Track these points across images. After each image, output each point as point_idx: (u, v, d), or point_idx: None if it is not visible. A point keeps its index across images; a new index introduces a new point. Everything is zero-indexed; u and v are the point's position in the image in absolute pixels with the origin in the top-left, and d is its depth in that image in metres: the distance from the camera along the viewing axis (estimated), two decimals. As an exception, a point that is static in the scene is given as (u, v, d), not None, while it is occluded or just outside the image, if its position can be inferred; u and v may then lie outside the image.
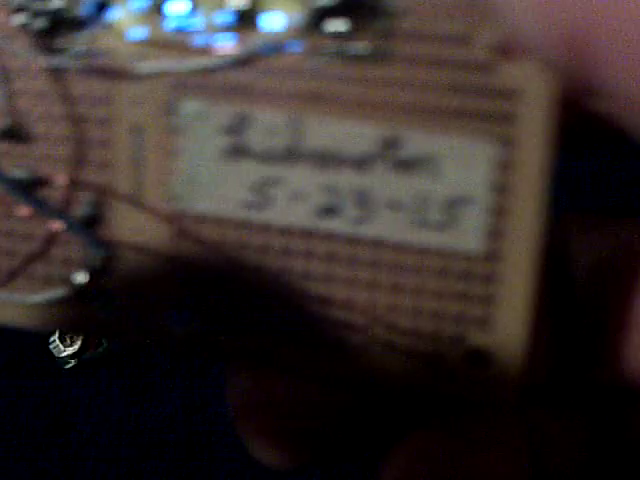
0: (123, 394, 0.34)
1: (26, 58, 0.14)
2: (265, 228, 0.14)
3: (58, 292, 0.15)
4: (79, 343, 0.34)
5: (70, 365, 0.34)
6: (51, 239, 0.15)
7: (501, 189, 0.13)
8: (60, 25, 0.14)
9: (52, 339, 0.34)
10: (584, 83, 0.11)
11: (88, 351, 0.34)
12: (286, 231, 0.14)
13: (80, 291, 0.15)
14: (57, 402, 0.35)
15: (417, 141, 0.13)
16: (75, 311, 0.15)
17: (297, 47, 0.13)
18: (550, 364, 0.15)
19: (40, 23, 0.14)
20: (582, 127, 0.13)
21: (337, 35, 0.13)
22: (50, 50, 0.14)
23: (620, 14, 0.10)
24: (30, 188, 0.15)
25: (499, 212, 0.13)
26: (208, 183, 0.14)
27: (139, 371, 0.34)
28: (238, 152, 0.14)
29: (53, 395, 0.35)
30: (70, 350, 0.34)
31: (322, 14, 0.13)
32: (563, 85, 0.13)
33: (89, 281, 0.15)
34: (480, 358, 0.14)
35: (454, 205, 0.14)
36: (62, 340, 0.34)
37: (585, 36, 0.10)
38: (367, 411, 0.16)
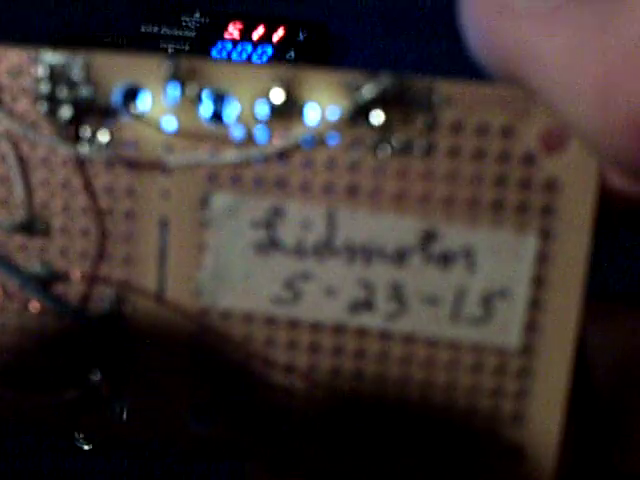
0: (140, 475, 0.33)
1: (49, 147, 0.14)
2: (294, 324, 0.14)
3: (73, 393, 0.14)
4: None
5: (87, 447, 0.33)
6: (65, 337, 0.14)
7: (539, 283, 0.13)
8: (87, 114, 0.14)
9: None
10: (637, 169, 0.11)
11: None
12: (316, 327, 0.14)
13: (96, 392, 0.14)
14: None
15: (455, 234, 0.13)
16: (91, 413, 0.15)
17: (335, 140, 0.13)
18: (573, 453, 0.15)
19: (66, 112, 0.14)
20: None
21: (377, 127, 0.13)
22: (75, 139, 0.14)
23: None
24: (47, 283, 0.14)
25: (536, 306, 0.13)
26: (237, 278, 0.14)
27: (156, 453, 0.33)
28: (270, 246, 0.14)
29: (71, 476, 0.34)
30: (82, 434, 0.33)
31: (363, 107, 0.13)
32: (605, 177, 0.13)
33: (106, 382, 0.14)
34: (514, 454, 0.14)
35: (491, 299, 0.14)
36: None
37: None
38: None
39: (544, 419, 0.14)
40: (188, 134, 0.14)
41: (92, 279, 0.14)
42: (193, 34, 0.50)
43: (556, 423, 0.14)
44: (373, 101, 0.13)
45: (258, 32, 0.48)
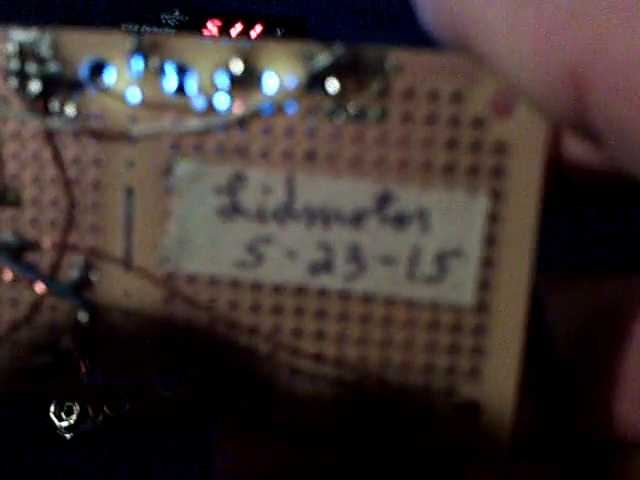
0: (122, 465, 0.34)
1: (19, 121, 0.14)
2: (257, 287, 0.15)
3: (44, 359, 0.15)
4: (74, 417, 0.33)
5: (68, 437, 0.34)
6: (37, 305, 0.15)
7: (491, 242, 0.14)
8: (55, 88, 0.14)
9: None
10: (581, 125, 0.12)
11: (86, 422, 0.34)
12: (278, 289, 0.14)
13: (66, 357, 0.15)
14: (56, 474, 0.34)
15: (409, 197, 0.14)
16: (61, 378, 0.15)
17: (293, 108, 0.14)
18: (533, 417, 0.16)
19: (35, 86, 0.14)
20: (563, 185, 0.14)
21: (332, 95, 0.14)
22: (44, 113, 0.14)
23: (616, 53, 0.11)
24: (18, 252, 0.15)
25: (489, 265, 0.14)
26: (201, 243, 0.14)
27: (138, 441, 0.34)
28: (232, 212, 0.14)
29: (53, 466, 0.34)
30: (65, 423, 0.33)
31: (318, 75, 0.14)
32: (554, 140, 0.13)
33: (76, 347, 0.15)
34: (471, 409, 0.14)
35: (445, 258, 0.14)
36: (57, 415, 0.33)
37: (583, 73, 0.11)
38: (359, 472, 0.15)
39: (500, 375, 0.14)
40: (152, 105, 0.14)
41: (62, 247, 0.15)
42: (173, 32, 0.50)
43: (512, 379, 0.14)
44: (328, 70, 0.14)
45: (236, 29, 0.49)
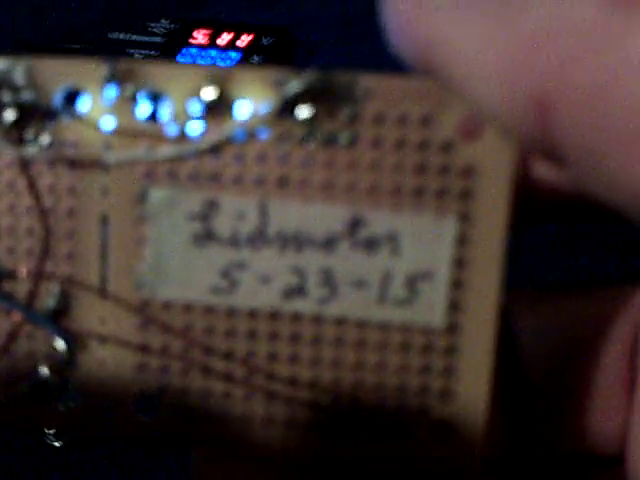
0: (112, 471, 0.34)
1: None
2: (232, 312, 0.15)
3: (20, 387, 0.15)
4: None
5: (57, 444, 0.34)
6: (14, 333, 0.15)
7: (460, 264, 0.14)
8: (30, 116, 0.14)
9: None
10: (547, 149, 0.12)
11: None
12: (253, 314, 0.15)
13: (44, 386, 0.15)
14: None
15: (380, 220, 0.14)
16: (39, 406, 0.15)
17: (265, 134, 0.14)
18: (505, 435, 0.16)
19: (9, 115, 0.14)
20: (531, 203, 0.14)
21: (304, 121, 0.14)
22: (19, 142, 0.15)
23: (580, 80, 0.11)
24: (-7, 280, 0.15)
25: (459, 286, 0.14)
26: (176, 270, 0.15)
27: (127, 447, 0.34)
28: (206, 238, 0.14)
29: (44, 471, 0.34)
30: (53, 430, 0.34)
31: (290, 101, 0.14)
32: (520, 161, 0.14)
33: (53, 375, 0.15)
34: (443, 429, 0.15)
35: (415, 281, 0.14)
36: None
37: (548, 98, 0.11)
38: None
39: (471, 394, 0.15)
40: (125, 133, 0.14)
41: (38, 276, 0.15)
42: (160, 40, 0.50)
43: (483, 398, 0.14)
44: (299, 96, 0.14)
45: (224, 38, 0.49)
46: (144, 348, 0.15)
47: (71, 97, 0.14)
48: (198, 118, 0.14)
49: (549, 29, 0.11)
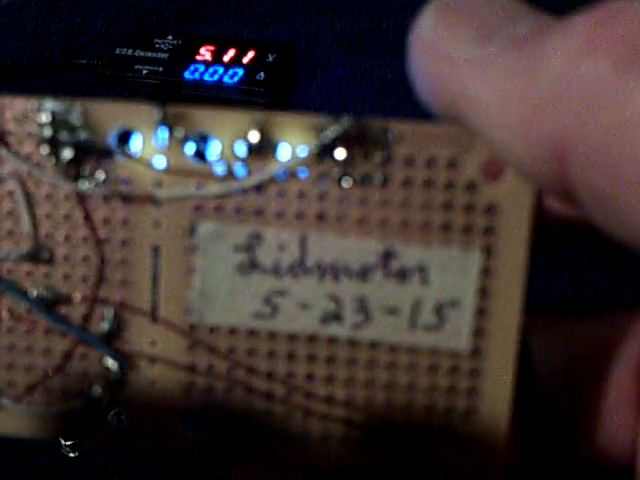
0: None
1: (52, 185, 0.16)
2: (273, 336, 0.16)
3: (75, 404, 0.16)
4: None
5: (73, 455, 0.35)
6: (69, 354, 0.16)
7: (484, 293, 0.15)
8: (86, 155, 0.16)
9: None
10: (563, 191, 0.13)
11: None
12: (292, 338, 0.16)
13: (96, 403, 0.16)
14: None
15: (410, 253, 0.15)
16: (91, 422, 0.16)
17: (305, 174, 0.15)
18: (522, 450, 0.17)
19: (67, 153, 0.16)
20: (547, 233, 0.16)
21: (341, 162, 0.15)
22: (75, 177, 0.16)
23: (593, 131, 0.12)
24: (51, 306, 0.16)
25: (483, 314, 0.16)
26: (222, 296, 0.16)
27: (140, 461, 0.35)
28: (250, 267, 0.16)
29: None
30: (70, 442, 0.35)
31: (328, 145, 0.15)
32: (539, 199, 0.15)
33: (105, 393, 0.16)
34: (467, 445, 0.16)
35: (443, 308, 0.16)
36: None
37: (565, 148, 0.12)
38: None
39: (493, 413, 0.16)
40: (176, 171, 0.16)
41: (92, 301, 0.16)
42: (166, 56, 0.52)
43: (504, 416, 0.16)
44: (336, 140, 0.15)
45: (229, 54, 0.50)
46: (191, 369, 0.16)
47: (124, 137, 0.16)
48: (244, 158, 0.15)
49: (565, 84, 0.12)
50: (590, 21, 0.12)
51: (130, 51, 0.53)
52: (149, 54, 0.52)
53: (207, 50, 0.51)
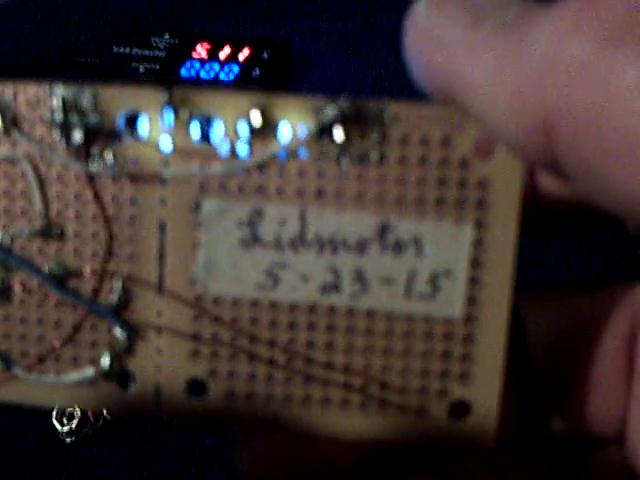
0: (121, 468, 0.35)
1: (63, 166, 0.17)
2: (274, 306, 0.17)
3: (85, 373, 0.17)
4: (76, 422, 0.35)
5: (69, 441, 0.35)
6: (79, 325, 0.17)
7: (477, 264, 0.16)
8: (95, 137, 0.16)
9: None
10: (552, 164, 0.14)
11: (87, 427, 0.35)
12: (293, 307, 0.17)
13: (105, 372, 0.17)
14: (58, 477, 0.35)
15: (406, 227, 0.16)
16: (101, 391, 0.17)
17: (304, 153, 0.16)
18: (515, 415, 0.18)
19: (77, 136, 0.16)
20: (538, 212, 0.17)
21: (338, 142, 0.16)
22: (85, 159, 0.17)
23: (578, 105, 0.13)
24: (62, 280, 0.17)
25: (475, 283, 0.16)
26: (226, 269, 0.17)
27: (137, 445, 0.35)
28: (252, 242, 0.17)
29: (54, 470, 0.35)
30: (67, 428, 0.35)
31: (326, 125, 0.16)
32: (531, 179, 0.16)
33: (114, 362, 0.17)
34: (462, 408, 0.17)
35: (437, 278, 0.16)
36: (59, 420, 0.35)
37: (551, 122, 0.13)
38: (367, 464, 0.18)
39: (486, 378, 0.17)
40: (181, 151, 0.16)
41: (101, 275, 0.17)
42: (163, 54, 0.52)
43: (497, 381, 0.17)
44: (334, 120, 0.16)
45: (224, 52, 0.51)
46: (196, 337, 0.17)
47: (132, 120, 0.16)
48: (246, 138, 0.16)
49: (551, 62, 0.13)
50: (577, 3, 0.13)
51: (127, 49, 0.53)
52: (146, 52, 0.53)
53: (203, 48, 0.52)
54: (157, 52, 0.53)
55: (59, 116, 0.16)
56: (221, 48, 0.51)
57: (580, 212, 0.16)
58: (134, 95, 0.16)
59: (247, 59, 0.50)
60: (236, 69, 0.50)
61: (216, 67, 0.51)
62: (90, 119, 0.16)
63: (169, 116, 0.16)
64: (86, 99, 0.16)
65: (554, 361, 0.18)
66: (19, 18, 0.56)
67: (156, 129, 0.16)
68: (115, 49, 0.53)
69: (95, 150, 0.17)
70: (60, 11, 0.56)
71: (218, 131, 0.16)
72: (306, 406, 0.17)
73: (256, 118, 0.16)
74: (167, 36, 0.53)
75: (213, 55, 0.51)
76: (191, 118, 0.16)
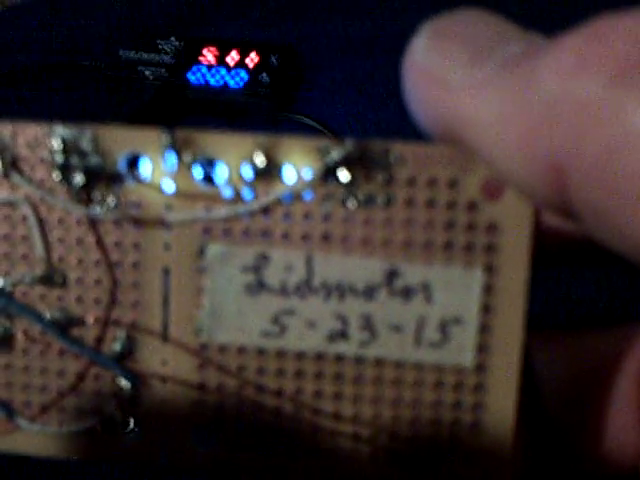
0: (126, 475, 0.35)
1: (64, 210, 0.16)
2: (281, 354, 0.16)
3: (88, 423, 0.17)
4: None
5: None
6: (82, 374, 0.17)
7: (487, 310, 0.16)
8: (96, 180, 0.16)
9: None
10: (562, 208, 0.13)
11: None
12: (300, 356, 0.16)
13: (109, 421, 0.17)
14: None
15: (414, 272, 0.16)
16: (104, 440, 0.17)
17: (310, 195, 0.16)
18: (528, 463, 0.18)
19: (78, 178, 0.16)
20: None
21: (344, 184, 0.16)
22: (87, 202, 0.16)
23: (589, 149, 0.12)
24: (65, 328, 0.17)
25: (486, 330, 0.16)
26: (231, 316, 0.16)
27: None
28: (258, 288, 0.16)
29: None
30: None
31: (331, 167, 0.16)
32: (538, 217, 0.15)
33: (118, 412, 0.17)
34: (473, 458, 0.16)
35: (447, 326, 0.16)
36: None
37: (562, 166, 0.13)
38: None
39: (498, 428, 0.16)
40: (185, 195, 0.16)
41: (105, 323, 0.17)
42: (170, 59, 0.52)
43: (509, 430, 0.16)
44: (340, 162, 0.16)
45: (232, 57, 0.50)
46: (202, 387, 0.17)
47: (133, 162, 0.16)
48: (250, 181, 0.16)
49: (558, 103, 0.13)
50: (580, 39, 0.13)
51: (134, 53, 0.53)
52: (153, 56, 0.53)
53: (210, 52, 0.51)
54: (164, 56, 0.52)
55: (60, 158, 0.16)
56: (228, 53, 0.51)
57: (586, 246, 0.16)
58: (135, 136, 0.16)
59: (255, 64, 0.50)
60: (244, 74, 0.50)
61: (223, 72, 0.50)
62: (91, 161, 0.16)
63: (171, 158, 0.16)
64: (86, 140, 0.16)
65: (566, 402, 0.18)
66: (25, 21, 0.55)
67: (158, 171, 0.16)
68: (121, 53, 0.52)
69: (97, 193, 0.16)
70: (66, 14, 0.56)
71: (222, 173, 0.16)
72: (314, 457, 0.17)
73: (260, 160, 0.16)
74: (173, 39, 0.52)
75: (220, 60, 0.51)
76: (194, 161, 0.16)
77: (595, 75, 0.12)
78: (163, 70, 0.52)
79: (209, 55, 0.51)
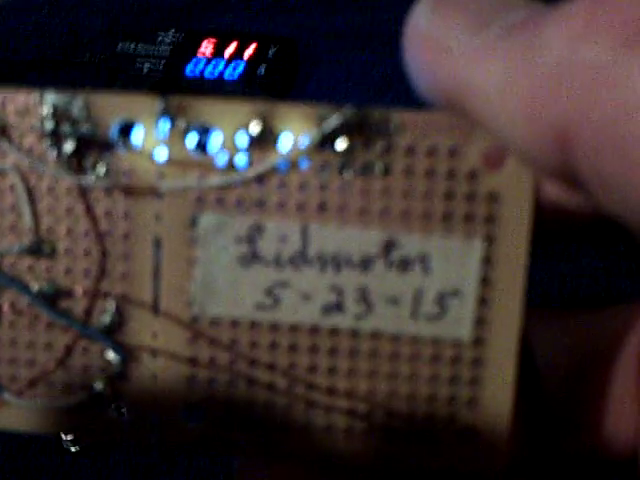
0: (126, 477, 0.35)
1: (54, 178, 0.16)
2: (275, 327, 0.16)
3: (77, 398, 0.16)
4: None
5: (74, 449, 0.35)
6: (70, 347, 0.16)
7: (486, 282, 0.15)
8: (87, 147, 0.16)
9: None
10: (568, 175, 0.13)
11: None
12: (294, 329, 0.16)
13: (98, 396, 0.16)
14: None
15: (412, 243, 0.15)
16: (93, 416, 0.16)
17: (306, 164, 0.15)
18: (526, 440, 0.17)
19: (68, 146, 0.16)
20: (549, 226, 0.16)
21: (342, 152, 0.15)
22: (77, 171, 0.16)
23: (597, 114, 0.12)
24: (53, 300, 0.16)
25: (484, 303, 0.15)
26: (223, 288, 0.16)
27: (141, 454, 0.35)
28: (252, 259, 0.16)
29: (59, 478, 0.35)
30: (70, 436, 0.35)
31: (329, 135, 0.15)
32: (540, 188, 0.15)
33: (107, 386, 0.16)
34: (470, 434, 0.16)
35: (445, 298, 0.16)
36: None
37: (568, 132, 0.12)
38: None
39: (496, 402, 0.16)
40: (177, 163, 0.16)
41: (94, 295, 0.16)
42: (167, 51, 0.52)
43: (506, 406, 0.16)
44: (337, 130, 0.15)
45: (230, 48, 0.50)
46: (193, 361, 0.16)
47: (126, 130, 0.16)
48: (245, 149, 0.15)
49: (566, 69, 0.12)
50: (588, 4, 0.12)
51: (132, 45, 0.53)
52: (151, 48, 0.52)
53: (209, 43, 0.51)
54: (162, 48, 0.52)
55: (50, 125, 0.16)
56: (226, 44, 0.50)
57: (588, 222, 0.16)
58: (129, 103, 0.16)
59: (252, 56, 0.49)
60: (241, 66, 0.49)
61: (221, 64, 0.50)
62: (82, 128, 0.16)
63: (165, 125, 0.15)
64: (78, 107, 0.16)
65: (564, 382, 0.17)
66: (22, 15, 0.55)
67: (151, 139, 0.16)
68: (119, 47, 0.52)
69: (87, 161, 0.16)
70: (63, 9, 0.55)
71: (216, 141, 0.15)
72: (308, 433, 0.16)
73: (256, 128, 0.15)
74: (173, 31, 0.52)
75: (218, 52, 0.50)
76: (188, 128, 0.15)
77: (604, 39, 0.12)
78: (161, 64, 0.52)
79: (208, 46, 0.51)
